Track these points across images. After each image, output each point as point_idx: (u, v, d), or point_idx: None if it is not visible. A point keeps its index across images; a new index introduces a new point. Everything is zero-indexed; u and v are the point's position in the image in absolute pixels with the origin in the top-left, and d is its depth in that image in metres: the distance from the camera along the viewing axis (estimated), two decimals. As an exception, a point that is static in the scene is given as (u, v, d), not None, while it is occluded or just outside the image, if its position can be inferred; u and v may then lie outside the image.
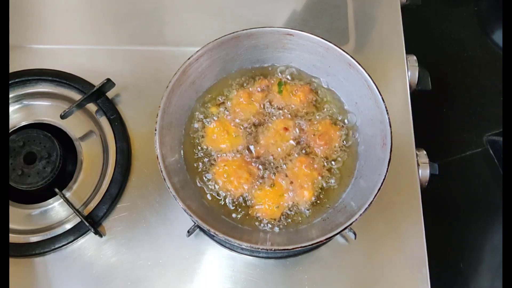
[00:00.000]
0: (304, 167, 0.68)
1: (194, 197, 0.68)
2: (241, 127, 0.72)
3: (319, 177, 0.69)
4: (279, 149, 0.70)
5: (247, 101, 0.72)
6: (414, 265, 0.74)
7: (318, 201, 0.69)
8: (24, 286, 0.73)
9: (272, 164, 0.70)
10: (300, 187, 0.68)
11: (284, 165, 0.70)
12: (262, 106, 0.73)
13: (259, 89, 0.73)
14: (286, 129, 0.70)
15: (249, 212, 0.68)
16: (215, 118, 0.72)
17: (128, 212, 0.77)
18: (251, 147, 0.71)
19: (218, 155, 0.71)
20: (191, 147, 0.72)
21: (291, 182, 0.68)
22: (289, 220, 0.68)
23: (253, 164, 0.69)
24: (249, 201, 0.69)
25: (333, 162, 0.71)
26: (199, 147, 0.72)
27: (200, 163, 0.71)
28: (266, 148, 0.70)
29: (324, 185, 0.69)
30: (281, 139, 0.70)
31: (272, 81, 0.74)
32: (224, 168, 0.69)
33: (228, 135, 0.70)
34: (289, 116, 0.72)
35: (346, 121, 0.73)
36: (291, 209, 0.68)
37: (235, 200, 0.69)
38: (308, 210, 0.68)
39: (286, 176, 0.69)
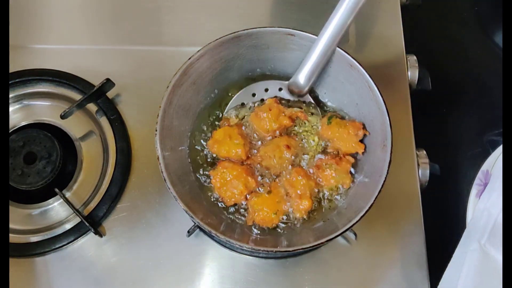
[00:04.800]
0: (302, 177, 0.68)
1: (195, 197, 0.67)
2: (246, 136, 0.71)
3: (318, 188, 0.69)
4: (278, 163, 0.70)
5: (263, 119, 0.71)
6: (414, 266, 0.74)
7: (319, 205, 0.69)
8: (24, 286, 0.73)
9: (270, 173, 0.70)
10: (299, 197, 0.67)
11: (283, 175, 0.70)
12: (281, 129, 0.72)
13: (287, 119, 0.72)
14: (288, 147, 0.70)
15: (246, 220, 0.68)
16: (217, 123, 0.72)
17: (128, 212, 0.77)
18: (251, 154, 0.71)
19: (219, 158, 0.71)
20: (192, 148, 0.72)
21: (287, 194, 0.68)
22: (289, 224, 0.68)
23: (251, 171, 0.69)
24: (247, 208, 0.69)
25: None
26: (201, 149, 0.72)
27: (201, 164, 0.71)
28: (265, 159, 0.70)
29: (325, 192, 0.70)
30: (280, 154, 0.70)
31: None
32: (223, 172, 0.68)
33: (230, 141, 0.69)
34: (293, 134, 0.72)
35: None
36: (290, 216, 0.68)
37: (233, 207, 0.69)
38: (307, 217, 0.68)
39: (284, 185, 0.69)
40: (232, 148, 0.69)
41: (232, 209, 0.69)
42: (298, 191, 0.67)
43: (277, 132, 0.72)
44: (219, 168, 0.69)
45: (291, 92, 0.74)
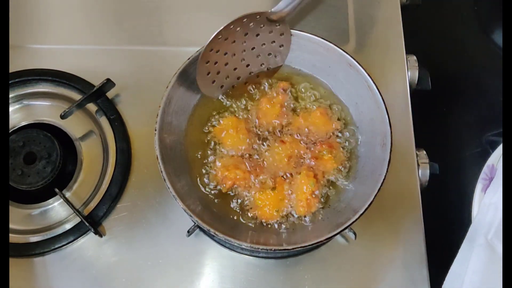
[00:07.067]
0: (304, 181, 0.68)
1: (194, 197, 0.67)
2: (254, 129, 0.71)
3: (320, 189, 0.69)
4: (274, 160, 0.70)
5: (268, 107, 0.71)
6: (414, 265, 0.74)
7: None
8: (24, 286, 0.73)
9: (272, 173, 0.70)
10: (300, 201, 0.67)
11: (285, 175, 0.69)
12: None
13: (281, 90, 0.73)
14: (282, 142, 0.69)
15: (248, 213, 0.68)
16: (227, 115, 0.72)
17: (128, 212, 0.77)
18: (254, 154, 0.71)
19: (221, 150, 0.70)
20: (192, 147, 0.72)
21: (291, 193, 0.68)
22: (288, 222, 0.68)
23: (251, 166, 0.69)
24: (249, 203, 0.68)
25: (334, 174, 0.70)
26: (201, 148, 0.72)
27: (201, 164, 0.71)
28: (267, 160, 0.70)
29: (325, 191, 0.69)
30: (280, 160, 0.70)
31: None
32: (224, 168, 0.68)
33: (236, 135, 0.70)
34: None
35: (347, 121, 0.73)
36: (291, 214, 0.68)
37: (234, 201, 0.69)
38: (307, 216, 0.68)
39: (287, 184, 0.69)
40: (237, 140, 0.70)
41: (232, 208, 0.69)
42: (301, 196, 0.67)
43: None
44: (220, 166, 0.69)
45: (270, 21, 0.69)
